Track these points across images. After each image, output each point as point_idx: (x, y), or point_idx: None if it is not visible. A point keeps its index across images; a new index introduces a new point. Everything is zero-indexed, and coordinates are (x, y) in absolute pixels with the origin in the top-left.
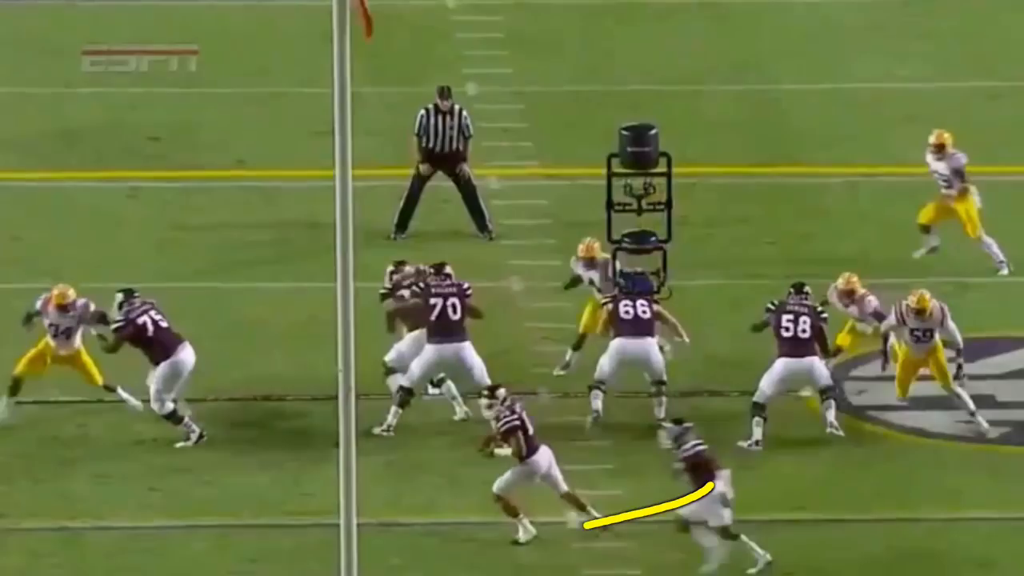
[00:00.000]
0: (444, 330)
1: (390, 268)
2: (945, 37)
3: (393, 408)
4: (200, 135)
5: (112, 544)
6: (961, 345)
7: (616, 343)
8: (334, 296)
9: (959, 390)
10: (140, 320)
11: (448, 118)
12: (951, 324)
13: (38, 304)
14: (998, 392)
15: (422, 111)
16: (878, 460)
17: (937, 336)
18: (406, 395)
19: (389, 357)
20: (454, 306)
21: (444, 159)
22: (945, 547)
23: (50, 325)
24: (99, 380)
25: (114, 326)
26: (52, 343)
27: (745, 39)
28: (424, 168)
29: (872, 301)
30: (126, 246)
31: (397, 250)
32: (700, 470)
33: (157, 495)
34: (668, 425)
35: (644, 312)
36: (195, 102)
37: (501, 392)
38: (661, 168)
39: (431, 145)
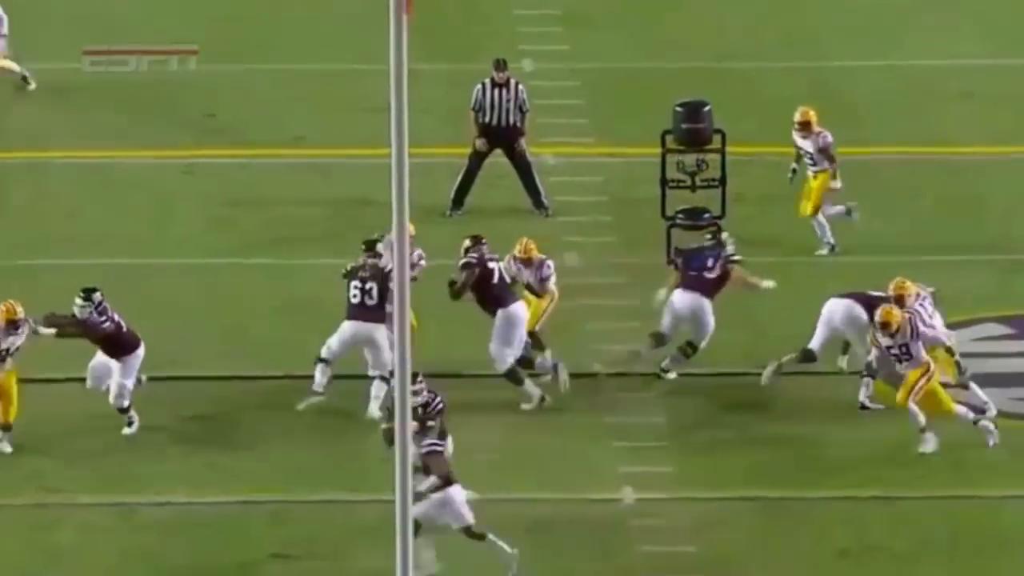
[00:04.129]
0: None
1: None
2: (1000, 13)
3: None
4: (256, 112)
5: (168, 520)
6: (949, 343)
7: (674, 295)
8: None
9: (961, 410)
10: (115, 318)
11: (504, 91)
12: (930, 332)
13: None
14: None
15: (478, 85)
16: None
17: (921, 353)
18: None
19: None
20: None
21: (501, 134)
22: (1003, 524)
23: (12, 350)
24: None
25: (96, 323)
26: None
27: (801, 15)
28: (480, 144)
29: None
30: (181, 223)
31: (453, 227)
32: (441, 467)
33: (213, 471)
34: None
35: (710, 272)
36: (251, 79)
37: (428, 393)
38: (715, 145)
39: (487, 119)
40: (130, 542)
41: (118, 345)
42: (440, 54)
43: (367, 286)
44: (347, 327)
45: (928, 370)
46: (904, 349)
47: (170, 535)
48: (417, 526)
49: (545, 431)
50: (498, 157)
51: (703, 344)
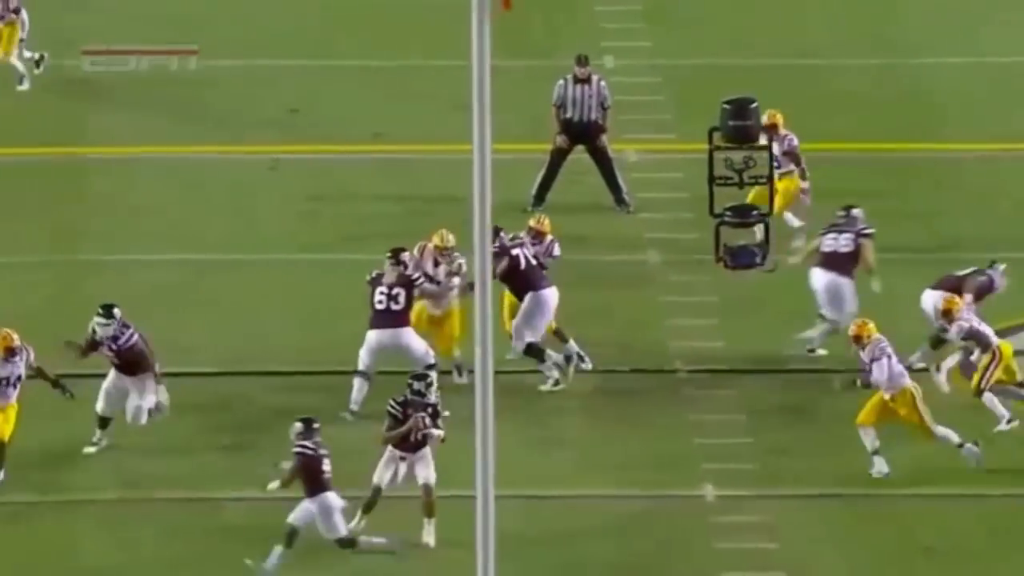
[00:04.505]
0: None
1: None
2: None
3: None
4: (339, 108)
5: (247, 514)
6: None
7: (813, 274)
8: (471, 270)
9: (940, 431)
10: (138, 333)
11: (586, 87)
12: (883, 361)
13: None
14: None
15: (560, 81)
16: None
17: (888, 380)
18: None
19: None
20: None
21: (582, 130)
22: None
23: (12, 379)
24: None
25: (121, 340)
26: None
27: (882, 12)
28: (561, 140)
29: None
30: (265, 218)
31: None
32: (309, 474)
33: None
34: (296, 423)
35: (845, 247)
36: (334, 75)
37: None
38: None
39: (569, 115)
40: (208, 537)
41: (138, 363)
42: (522, 50)
43: (393, 292)
44: (372, 336)
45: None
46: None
47: (248, 529)
48: (293, 533)
49: (625, 428)
50: (580, 154)
51: (845, 322)
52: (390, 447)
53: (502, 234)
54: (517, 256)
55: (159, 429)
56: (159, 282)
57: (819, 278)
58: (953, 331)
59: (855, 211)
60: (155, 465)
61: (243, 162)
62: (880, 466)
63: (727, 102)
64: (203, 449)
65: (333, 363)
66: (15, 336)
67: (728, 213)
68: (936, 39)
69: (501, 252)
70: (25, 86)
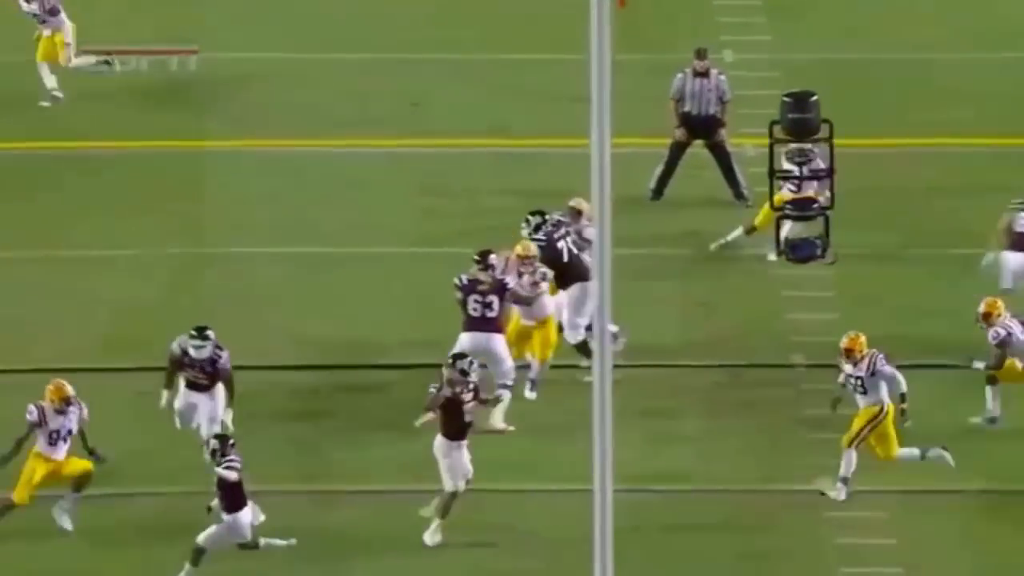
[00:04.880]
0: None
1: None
2: None
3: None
4: (459, 101)
5: (364, 508)
6: (902, 390)
7: (1007, 256)
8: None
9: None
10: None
11: (705, 80)
12: (886, 370)
13: (33, 415)
14: None
15: (679, 74)
16: None
17: (883, 396)
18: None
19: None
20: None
21: (701, 124)
22: None
23: (63, 432)
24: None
25: (220, 362)
26: (45, 451)
27: (1007, 6)
28: (680, 134)
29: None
30: (384, 212)
31: (652, 216)
32: (231, 491)
33: (410, 460)
34: (212, 441)
35: None
36: (454, 69)
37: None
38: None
39: (688, 109)
40: (328, 530)
41: (218, 381)
42: (640, 43)
43: (487, 299)
44: (464, 340)
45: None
46: (859, 383)
47: (366, 522)
48: (200, 552)
49: (741, 422)
50: (699, 148)
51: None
52: (444, 439)
53: (548, 223)
54: (560, 249)
55: (276, 422)
56: (276, 275)
57: (1016, 260)
58: (989, 335)
59: None
60: (275, 458)
61: (363, 155)
62: (840, 495)
63: (787, 95)
64: (322, 443)
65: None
66: (68, 387)
67: (788, 206)
68: None
69: (548, 245)
70: (47, 103)
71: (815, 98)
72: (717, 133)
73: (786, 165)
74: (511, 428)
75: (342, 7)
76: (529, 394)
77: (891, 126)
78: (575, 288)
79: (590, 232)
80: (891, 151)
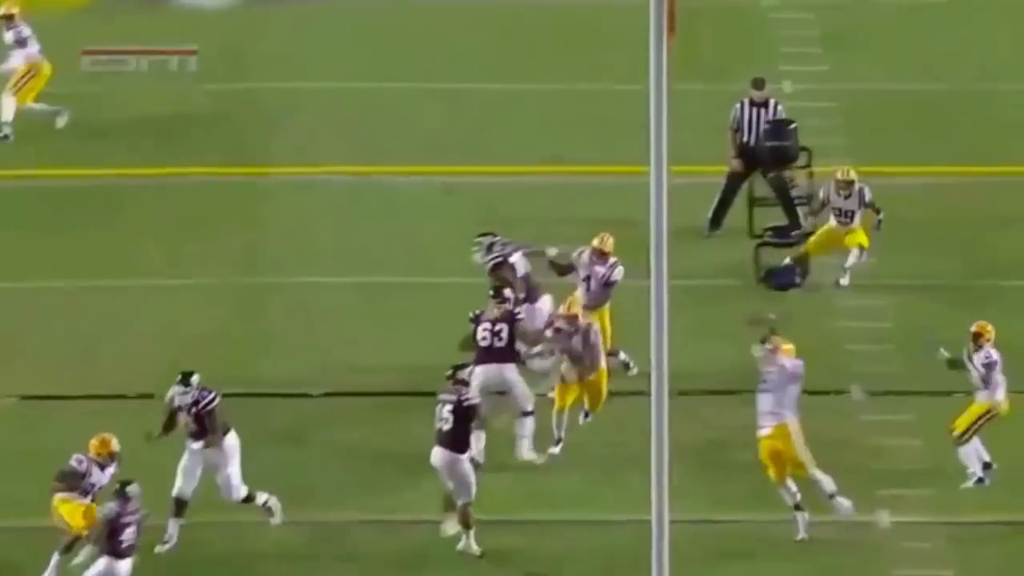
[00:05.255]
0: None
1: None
2: None
3: None
4: (517, 130)
5: (423, 537)
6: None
7: None
8: (648, 292)
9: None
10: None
11: (763, 111)
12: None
13: (83, 466)
14: None
15: (737, 104)
16: None
17: (999, 396)
18: None
19: None
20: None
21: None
22: None
23: (96, 487)
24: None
25: (202, 404)
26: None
27: None
28: (736, 164)
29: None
30: (441, 241)
31: (709, 246)
32: (111, 534)
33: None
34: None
35: None
36: (512, 97)
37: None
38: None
39: (746, 139)
40: (388, 558)
41: (216, 429)
42: (699, 73)
43: (496, 328)
44: (477, 372)
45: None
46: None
47: (426, 550)
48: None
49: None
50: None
51: None
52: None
53: (498, 243)
54: (515, 265)
55: (337, 451)
56: (336, 304)
57: None
58: (977, 358)
59: None
60: (334, 488)
61: (421, 184)
62: (801, 526)
63: (767, 122)
64: (380, 472)
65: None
66: (115, 441)
67: (768, 233)
68: None
69: (503, 263)
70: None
71: (793, 126)
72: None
73: (833, 198)
74: (541, 458)
75: (401, 36)
76: (530, 454)
77: (951, 155)
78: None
79: (618, 274)
80: (950, 180)
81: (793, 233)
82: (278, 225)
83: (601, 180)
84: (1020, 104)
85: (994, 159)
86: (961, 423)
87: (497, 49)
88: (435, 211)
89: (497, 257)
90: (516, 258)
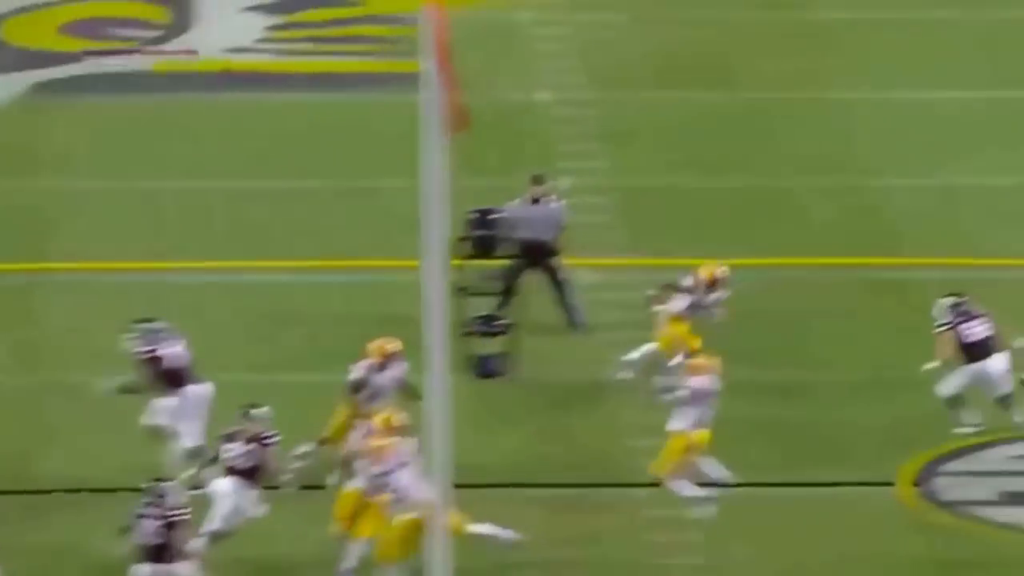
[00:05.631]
0: None
1: None
2: None
3: None
4: (297, 225)
5: None
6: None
7: None
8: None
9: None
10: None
11: (541, 207)
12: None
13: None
14: None
15: (516, 201)
16: (973, 559)
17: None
18: None
19: None
20: None
21: (536, 250)
22: None
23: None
24: None
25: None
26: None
27: (844, 136)
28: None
29: None
30: (221, 337)
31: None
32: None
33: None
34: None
35: None
36: (292, 194)
37: None
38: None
39: (523, 235)
40: None
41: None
42: (478, 168)
43: (246, 448)
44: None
45: None
46: None
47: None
48: None
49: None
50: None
51: None
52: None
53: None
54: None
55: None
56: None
57: None
58: None
59: None
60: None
61: (201, 280)
62: None
63: (473, 211)
64: None
65: None
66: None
67: (477, 322)
68: (902, 161)
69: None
70: None
71: (501, 215)
72: (554, 259)
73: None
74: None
75: (180, 133)
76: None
77: (730, 250)
78: None
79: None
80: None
81: (499, 323)
82: (56, 323)
83: (379, 277)
84: (824, 200)
85: (776, 252)
86: None
87: (273, 145)
88: (216, 308)
89: (151, 350)
90: (174, 349)
